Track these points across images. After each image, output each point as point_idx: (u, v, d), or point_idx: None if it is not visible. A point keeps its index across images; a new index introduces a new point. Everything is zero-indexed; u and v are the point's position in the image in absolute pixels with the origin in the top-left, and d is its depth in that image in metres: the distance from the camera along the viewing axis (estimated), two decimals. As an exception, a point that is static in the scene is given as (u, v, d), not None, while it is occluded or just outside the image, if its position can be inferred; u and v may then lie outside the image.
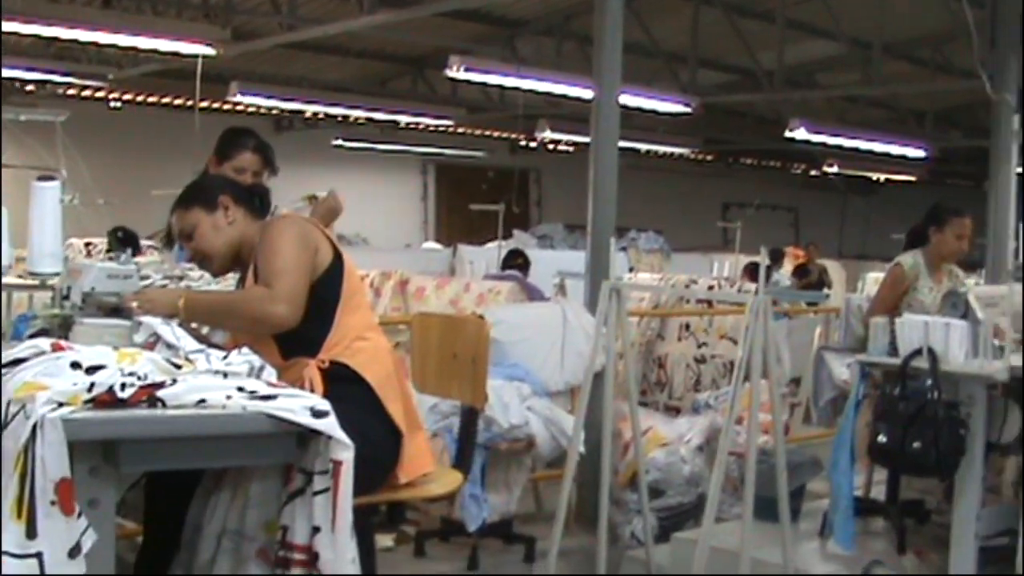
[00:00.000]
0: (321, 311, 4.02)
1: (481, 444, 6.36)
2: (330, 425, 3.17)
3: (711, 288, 9.26)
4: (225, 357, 3.41)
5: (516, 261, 10.73)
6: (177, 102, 18.11)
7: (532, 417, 6.68)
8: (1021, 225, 8.71)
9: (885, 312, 6.88)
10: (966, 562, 5.86)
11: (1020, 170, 10.02)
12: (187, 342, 3.54)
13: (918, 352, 5.87)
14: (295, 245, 3.99)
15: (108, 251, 7.86)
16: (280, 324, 3.91)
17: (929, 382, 5.77)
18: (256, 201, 4.27)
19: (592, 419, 6.39)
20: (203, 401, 3.10)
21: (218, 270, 4.31)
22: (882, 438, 5.84)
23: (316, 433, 3.19)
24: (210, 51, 10.41)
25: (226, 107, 15.94)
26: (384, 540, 6.80)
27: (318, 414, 3.16)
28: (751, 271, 12.95)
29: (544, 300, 9.09)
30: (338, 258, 4.13)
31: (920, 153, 17.88)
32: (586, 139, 7.85)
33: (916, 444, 5.72)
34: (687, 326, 8.85)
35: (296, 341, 3.99)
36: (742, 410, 6.00)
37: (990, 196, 10.34)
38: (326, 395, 3.59)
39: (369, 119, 18.31)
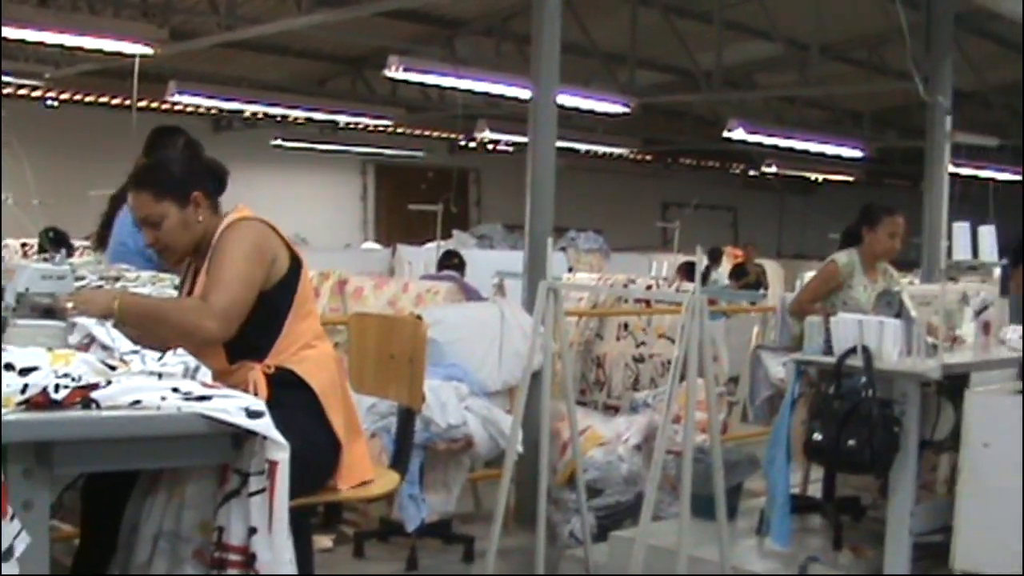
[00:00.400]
0: (271, 318, 3.98)
1: (419, 444, 6.36)
2: (265, 425, 3.16)
3: (649, 288, 9.28)
4: (160, 358, 3.40)
5: (452, 261, 10.71)
6: (114, 102, 17.98)
7: (470, 417, 6.68)
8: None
9: (810, 303, 6.96)
10: (901, 558, 5.91)
11: (953, 170, 10.12)
12: (122, 343, 3.52)
13: (853, 351, 5.92)
14: (248, 258, 3.94)
15: (40, 251, 7.79)
16: (208, 339, 3.84)
17: (863, 380, 5.82)
18: (218, 184, 4.20)
19: (530, 419, 6.40)
20: (138, 402, 3.08)
21: (175, 263, 4.26)
22: (817, 436, 5.88)
23: (251, 434, 3.18)
24: (148, 50, 10.34)
25: (164, 107, 15.83)
26: (323, 541, 6.79)
27: (253, 414, 3.16)
28: (686, 270, 13.01)
29: (481, 300, 9.09)
30: (295, 266, 4.08)
31: (857, 153, 18.02)
32: (525, 139, 7.86)
33: (851, 442, 5.76)
34: (625, 325, 8.86)
35: (243, 346, 3.96)
36: (679, 409, 6.03)
37: (925, 196, 10.45)
38: (270, 400, 3.59)
39: (308, 119, 18.28)
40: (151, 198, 4.07)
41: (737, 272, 17.09)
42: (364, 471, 4.12)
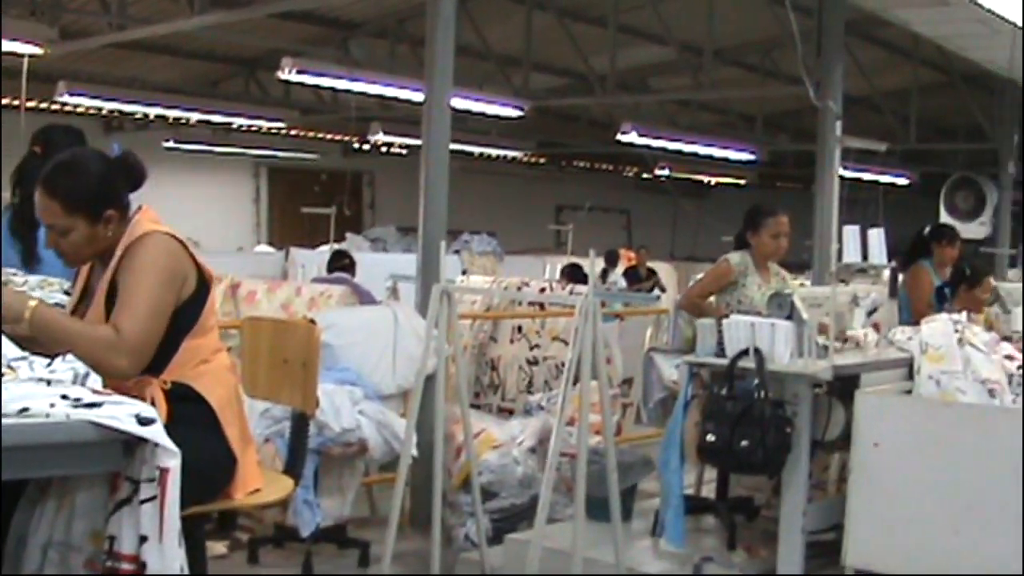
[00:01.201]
0: (173, 334, 3.88)
1: (313, 449, 6.32)
2: (156, 432, 3.13)
3: (543, 290, 9.30)
4: (49, 364, 3.35)
5: (342, 263, 10.63)
6: (3, 102, 17.68)
7: (364, 421, 6.64)
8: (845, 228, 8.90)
9: (700, 297, 7.01)
10: (794, 556, 5.98)
11: (843, 174, 10.25)
12: (9, 350, 3.46)
13: (745, 352, 5.98)
14: (162, 283, 3.83)
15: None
16: (119, 376, 3.72)
17: (756, 382, 5.88)
18: (133, 188, 4.05)
19: (424, 422, 6.39)
20: (26, 410, 3.03)
21: (73, 266, 4.17)
22: (710, 437, 5.92)
23: (142, 441, 3.15)
24: (37, 50, 10.19)
25: (54, 107, 15.60)
26: (217, 547, 6.73)
27: (144, 421, 3.12)
28: (570, 273, 13.04)
29: (373, 302, 9.06)
30: (203, 284, 3.99)
31: (749, 156, 18.20)
32: (419, 142, 7.85)
33: (744, 443, 5.81)
34: (519, 328, 8.88)
35: None
36: (573, 411, 6.05)
37: (815, 199, 10.57)
38: (168, 415, 3.54)
39: (201, 121, 18.11)
40: (61, 209, 3.90)
41: (631, 275, 17.18)
42: (255, 479, 4.09)
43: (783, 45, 12.68)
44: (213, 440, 3.89)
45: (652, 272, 17.87)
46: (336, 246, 13.41)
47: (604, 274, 16.49)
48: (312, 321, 5.89)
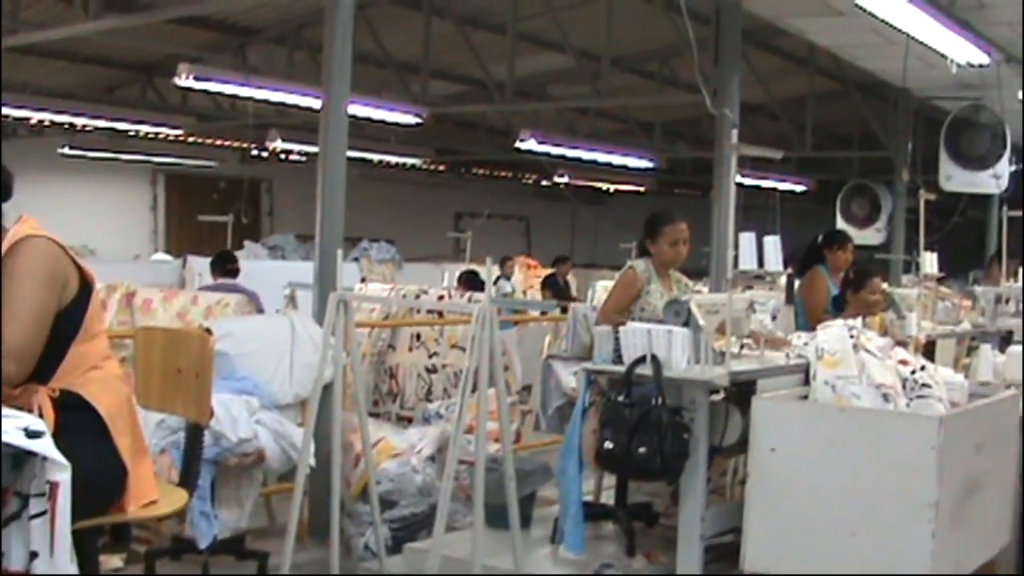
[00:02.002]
0: (57, 341, 3.82)
1: (210, 459, 6.25)
2: (45, 445, 3.08)
3: (441, 298, 9.30)
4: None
5: (228, 267, 10.49)
6: None
7: (261, 431, 6.59)
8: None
9: (616, 312, 7.01)
10: (692, 561, 6.01)
11: (740, 181, 10.31)
12: None
13: (642, 359, 6.00)
14: (44, 286, 3.76)
15: None
16: (4, 382, 3.65)
17: (653, 388, 5.90)
18: (3, 191, 3.98)
19: (322, 431, 6.36)
20: (-91, 424, 2.97)
21: None
22: (609, 444, 5.93)
23: (31, 454, 3.09)
24: (-76, 54, 10.00)
25: (-56, 114, 15.33)
26: (112, 560, 6.63)
27: (32, 435, 3.06)
28: (467, 281, 13.04)
29: (258, 303, 9.01)
30: (85, 288, 3.93)
31: (648, 164, 18.28)
32: (317, 149, 7.81)
33: (642, 449, 5.83)
34: (418, 336, 8.87)
35: None
36: (472, 419, 6.04)
37: (713, 206, 10.64)
38: (56, 424, 3.47)
39: (97, 127, 17.87)
40: None
41: (551, 285, 17.22)
42: (150, 490, 4.03)
43: (681, 53, 12.75)
44: (103, 450, 3.83)
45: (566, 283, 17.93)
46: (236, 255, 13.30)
47: (496, 281, 16.49)
48: (208, 330, 5.83)
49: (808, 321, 8.44)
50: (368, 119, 13.87)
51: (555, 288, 17.07)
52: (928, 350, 7.98)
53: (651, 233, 7.30)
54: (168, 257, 17.62)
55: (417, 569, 6.17)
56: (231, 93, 13.36)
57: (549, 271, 18.41)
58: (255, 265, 14.32)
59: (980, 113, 13.79)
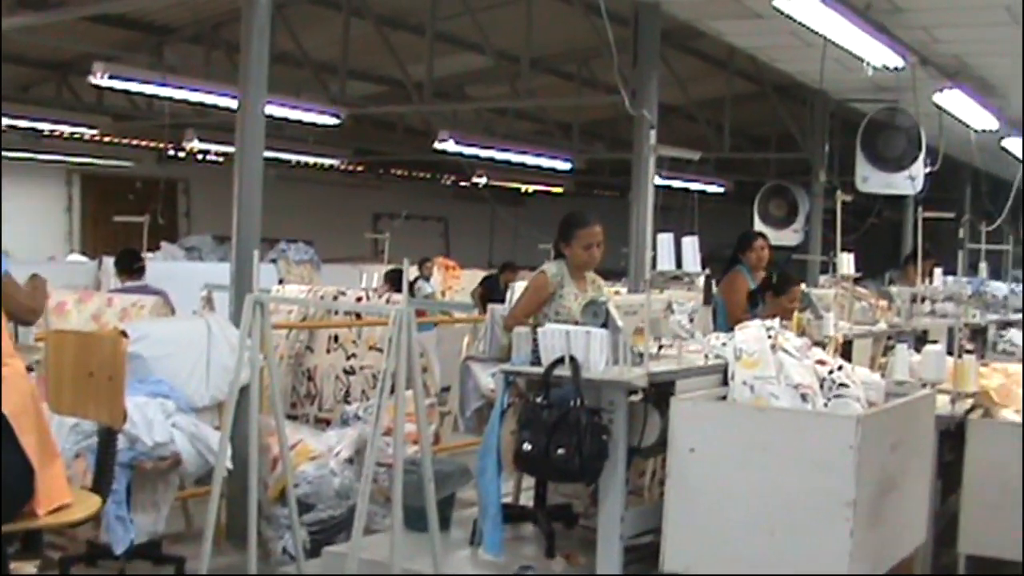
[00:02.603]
0: None
1: (125, 463, 6.20)
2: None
3: (360, 299, 9.25)
4: None
5: (134, 265, 10.32)
6: None
7: (177, 434, 6.53)
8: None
9: (524, 316, 6.99)
10: (612, 562, 6.00)
11: (658, 182, 10.34)
12: None
13: (560, 360, 5.98)
14: None
15: None
16: None
17: (572, 390, 5.89)
18: None
19: (239, 434, 6.31)
20: None
21: None
22: (527, 446, 5.91)
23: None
24: None
25: None
26: (25, 567, 6.49)
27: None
28: (392, 280, 13.00)
29: (164, 300, 8.94)
30: None
31: (566, 165, 18.32)
32: (234, 149, 7.75)
33: (560, 451, 5.81)
34: (336, 338, 8.82)
35: None
36: (390, 421, 6.01)
37: (631, 207, 10.67)
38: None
39: (10, 127, 17.62)
40: None
41: (492, 290, 17.18)
42: (62, 494, 3.97)
43: (600, 54, 12.79)
44: (8, 450, 3.77)
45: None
46: (151, 256, 13.18)
47: (412, 282, 16.44)
48: (123, 333, 5.77)
49: (728, 321, 8.47)
50: (286, 119, 13.83)
51: (493, 291, 17.03)
52: (845, 350, 8.03)
53: (565, 236, 7.29)
54: (83, 259, 17.40)
55: (336, 572, 6.13)
56: (147, 92, 13.25)
57: (487, 273, 18.41)
58: (172, 266, 14.21)
59: (896, 115, 13.94)
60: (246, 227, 7.53)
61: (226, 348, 7.20)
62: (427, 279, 17.32)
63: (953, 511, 6.87)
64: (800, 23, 9.53)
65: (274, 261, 15.57)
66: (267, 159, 7.79)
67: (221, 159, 19.92)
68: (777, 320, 6.62)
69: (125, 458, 6.18)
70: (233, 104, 8.25)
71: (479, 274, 18.78)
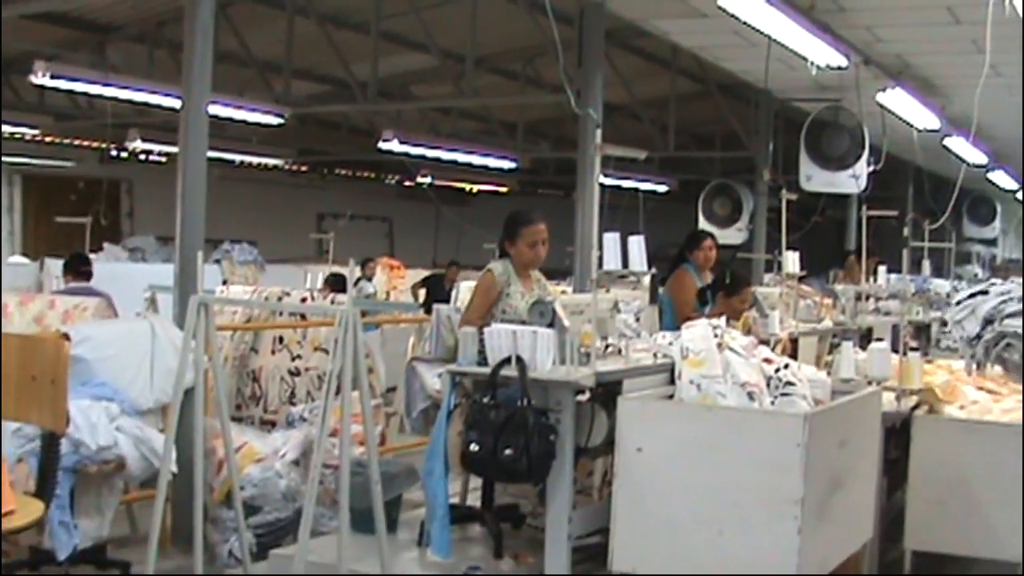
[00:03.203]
0: None
1: (69, 468, 6.14)
2: None
3: (304, 300, 9.22)
4: None
5: (83, 268, 10.24)
6: None
7: (122, 437, 6.47)
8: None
9: (479, 318, 6.97)
10: (560, 562, 5.99)
11: (604, 181, 10.35)
12: None
13: (507, 360, 5.97)
14: None
15: None
16: None
17: (519, 390, 5.87)
18: None
19: (184, 436, 6.27)
20: None
21: None
22: (474, 447, 5.90)
23: None
24: None
25: None
26: (-35, 574, 6.47)
27: None
28: (333, 283, 12.94)
29: (108, 303, 8.87)
30: None
31: (511, 164, 18.32)
32: (178, 149, 7.70)
33: (508, 451, 5.80)
34: (281, 339, 8.78)
35: None
36: (336, 422, 5.98)
37: (576, 206, 10.67)
38: None
39: (-51, 126, 17.48)
40: None
41: (437, 288, 17.16)
42: (4, 500, 3.92)
43: (544, 53, 12.81)
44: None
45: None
46: (94, 257, 13.05)
47: (357, 283, 16.38)
48: (65, 335, 5.71)
49: (676, 320, 8.48)
50: (230, 119, 13.74)
51: (437, 289, 17.01)
52: (791, 348, 8.07)
53: (510, 234, 7.29)
54: (25, 260, 17.23)
55: (282, 575, 6.09)
56: (89, 92, 13.13)
57: (429, 272, 18.39)
58: (115, 267, 14.10)
59: (839, 115, 14.04)
60: (190, 228, 7.49)
61: (170, 350, 7.14)
62: (369, 279, 17.26)
63: (899, 508, 6.92)
64: (744, 22, 9.56)
65: (218, 262, 15.47)
66: (211, 159, 7.76)
67: (164, 159, 19.77)
68: (724, 319, 6.63)
69: (69, 462, 6.11)
70: (176, 104, 8.20)
71: (424, 273, 18.79)
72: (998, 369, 6.89)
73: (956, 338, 7.09)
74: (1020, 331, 6.58)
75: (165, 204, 8.44)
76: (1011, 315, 6.67)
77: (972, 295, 6.93)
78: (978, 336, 6.73)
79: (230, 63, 13.94)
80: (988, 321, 6.72)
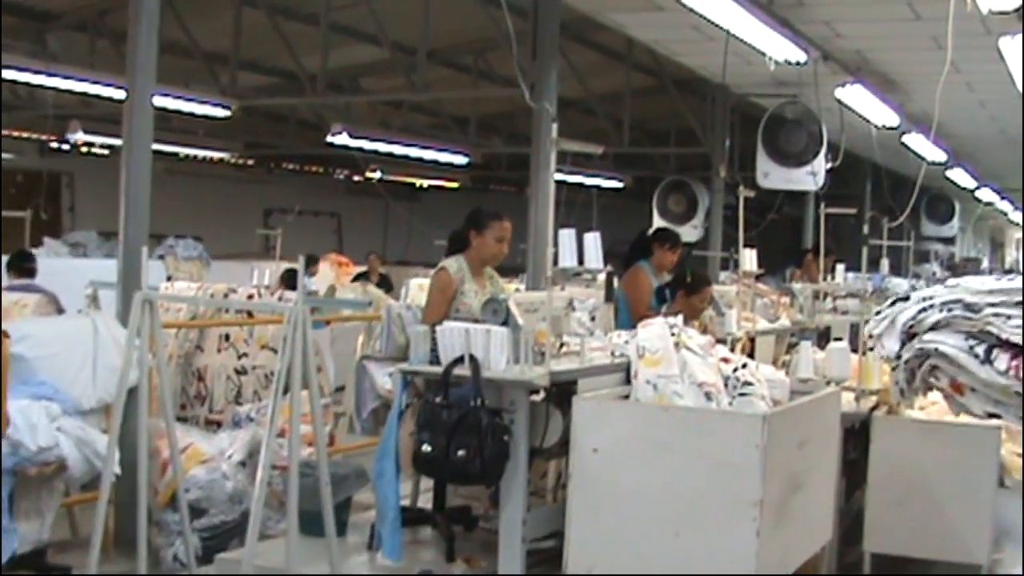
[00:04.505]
0: None
1: (8, 469, 6.10)
2: None
3: (251, 297, 9.19)
4: None
5: (27, 266, 10.14)
6: None
7: (63, 438, 6.42)
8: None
9: (440, 318, 6.95)
10: (514, 565, 6.00)
11: (558, 177, 10.37)
12: None
13: (460, 359, 5.97)
14: None
15: None
16: None
17: (472, 389, 5.87)
18: None
19: (127, 437, 6.25)
20: None
21: None
22: (426, 447, 5.90)
23: None
24: None
25: None
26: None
27: None
28: (287, 279, 12.89)
29: (57, 303, 8.80)
30: None
31: (463, 159, 18.31)
32: (121, 142, 7.65)
33: (461, 452, 5.81)
34: (227, 337, 8.76)
35: None
36: (284, 422, 5.96)
37: (531, 202, 10.67)
38: None
39: None
40: None
41: (357, 279, 17.09)
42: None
43: (498, 46, 12.80)
44: None
45: (384, 277, 17.82)
46: (35, 252, 12.96)
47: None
48: (4, 333, 5.65)
49: (631, 319, 8.49)
50: (175, 111, 13.66)
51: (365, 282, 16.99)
52: (749, 348, 8.09)
53: (478, 225, 7.31)
54: (-39, 256, 17.12)
55: (229, 579, 6.08)
56: (29, 82, 13.03)
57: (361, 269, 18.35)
58: (56, 263, 13.97)
59: (797, 110, 14.08)
60: (133, 222, 7.45)
61: (113, 348, 7.09)
62: (311, 276, 17.21)
63: (858, 509, 6.96)
64: (702, 16, 9.58)
65: (162, 257, 15.39)
66: (155, 152, 7.74)
67: (107, 152, 19.64)
68: (681, 318, 6.64)
69: (7, 464, 6.07)
70: (120, 95, 8.15)
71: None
72: (937, 397, 6.37)
73: (878, 357, 6.39)
74: (947, 349, 5.55)
75: (108, 198, 8.38)
76: (935, 327, 5.60)
77: (892, 302, 5.86)
78: (898, 355, 5.76)
79: (175, 53, 13.85)
80: (909, 336, 5.69)
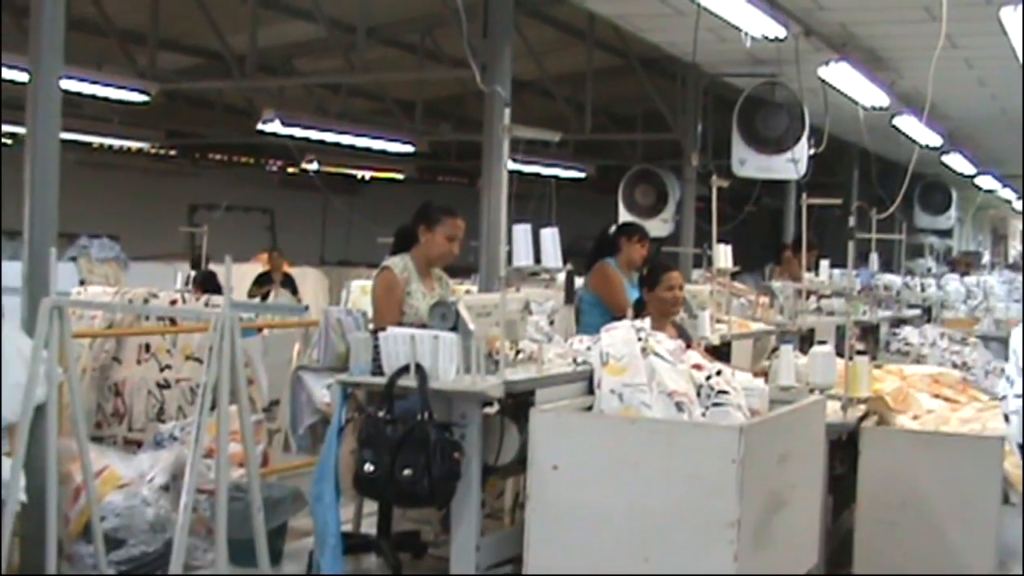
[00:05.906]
0: None
1: (-101, 496, 6.05)
2: None
3: (174, 303, 9.15)
4: None
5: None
6: None
7: (-40, 462, 6.39)
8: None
9: (394, 321, 6.94)
10: (466, 598, 6.01)
11: (513, 167, 10.34)
12: None
13: (405, 369, 5.97)
14: None
15: None
16: None
17: (418, 402, 5.87)
18: None
19: (34, 461, 6.20)
20: None
21: None
22: (369, 467, 5.90)
23: None
24: None
25: None
26: None
27: None
28: (203, 282, 12.83)
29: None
30: None
31: (407, 148, 18.28)
32: (24, 129, 7.61)
33: (407, 471, 5.81)
34: (147, 347, 8.72)
35: None
36: (211, 441, 5.94)
37: (482, 195, 10.65)
38: None
39: None
40: None
41: (260, 280, 17.02)
42: None
43: (446, 23, 12.78)
44: None
45: (288, 277, 17.74)
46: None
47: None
48: None
49: (612, 313, 8.44)
50: (87, 96, 13.58)
51: (265, 285, 16.87)
52: (722, 352, 8.11)
53: (428, 220, 7.32)
54: None
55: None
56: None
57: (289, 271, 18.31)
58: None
59: (776, 91, 14.11)
60: (40, 220, 7.39)
61: (17, 361, 7.02)
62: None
63: (847, 528, 6.98)
64: (671, -13, 9.61)
65: (74, 259, 15.29)
66: (64, 141, 7.68)
67: (9, 141, 19.56)
68: (649, 320, 6.65)
69: (-101, 490, 6.03)
70: (23, 77, 8.10)
71: (309, 271, 18.70)
72: (956, 374, 6.78)
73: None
74: None
75: (10, 193, 8.34)
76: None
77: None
78: None
79: (86, 31, 13.79)
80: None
